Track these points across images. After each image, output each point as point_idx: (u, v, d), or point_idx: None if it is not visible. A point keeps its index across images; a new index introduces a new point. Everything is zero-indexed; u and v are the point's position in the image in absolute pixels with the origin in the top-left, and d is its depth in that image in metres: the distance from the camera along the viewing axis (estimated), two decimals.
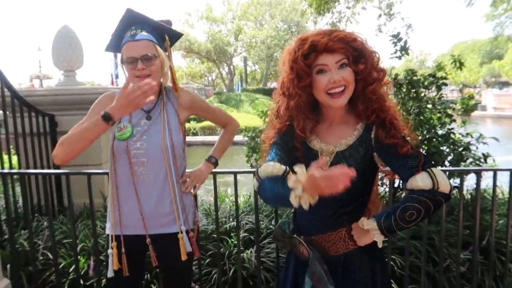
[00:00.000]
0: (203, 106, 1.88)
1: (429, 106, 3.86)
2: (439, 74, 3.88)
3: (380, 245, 1.34)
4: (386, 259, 1.99)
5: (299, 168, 1.17)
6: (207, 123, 32.30)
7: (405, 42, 3.72)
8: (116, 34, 1.65)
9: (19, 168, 3.46)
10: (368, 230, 1.30)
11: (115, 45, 1.68)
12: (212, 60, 46.59)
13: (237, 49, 45.64)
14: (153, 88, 1.43)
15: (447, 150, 3.51)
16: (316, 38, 1.29)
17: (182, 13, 57.04)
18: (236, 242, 3.00)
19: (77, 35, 4.21)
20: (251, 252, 2.85)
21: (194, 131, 32.45)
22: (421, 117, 3.66)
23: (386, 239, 2.69)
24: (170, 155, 1.67)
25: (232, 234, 3.04)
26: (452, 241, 2.99)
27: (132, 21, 1.63)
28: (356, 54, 1.31)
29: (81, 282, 2.64)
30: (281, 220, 1.57)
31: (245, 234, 3.09)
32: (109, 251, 1.68)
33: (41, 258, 2.85)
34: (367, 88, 1.32)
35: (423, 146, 3.49)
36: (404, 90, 3.81)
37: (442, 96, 4.03)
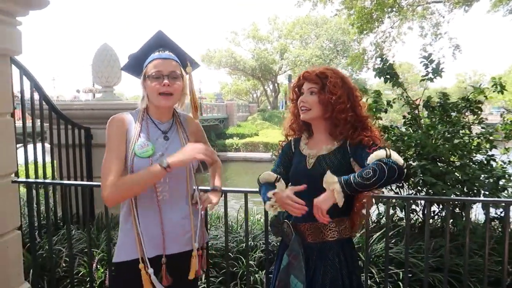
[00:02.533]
0: (203, 137, 1.87)
1: (465, 131, 3.67)
2: (479, 97, 3.70)
3: (339, 200, 1.48)
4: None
5: (279, 184, 1.70)
6: (249, 139, 32.80)
7: (438, 64, 3.58)
8: (141, 53, 1.68)
9: (53, 178, 3.65)
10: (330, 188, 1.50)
11: (137, 65, 1.70)
12: (257, 77, 47.31)
13: (282, 67, 46.05)
14: (206, 154, 1.58)
15: (482, 177, 3.29)
16: (306, 70, 1.76)
17: (228, 32, 58.42)
18: (252, 262, 2.98)
19: (116, 52, 4.45)
20: (265, 273, 2.81)
21: (237, 147, 33.09)
22: (454, 142, 3.47)
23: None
24: (192, 173, 1.70)
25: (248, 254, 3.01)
26: (481, 276, 2.78)
27: (161, 43, 1.68)
28: (324, 86, 1.67)
29: None
30: (279, 210, 1.77)
31: (262, 254, 3.05)
32: (151, 270, 1.59)
33: (64, 265, 2.97)
34: (331, 114, 1.67)
35: (456, 173, 3.29)
36: (437, 113, 3.66)
37: (483, 120, 3.82)
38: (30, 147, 3.57)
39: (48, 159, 3.83)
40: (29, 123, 3.62)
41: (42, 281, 2.84)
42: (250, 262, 2.92)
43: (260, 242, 3.19)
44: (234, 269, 2.91)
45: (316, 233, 1.67)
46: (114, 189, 1.53)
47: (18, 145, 3.89)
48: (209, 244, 3.23)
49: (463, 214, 3.46)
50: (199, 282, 2.78)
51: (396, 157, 1.48)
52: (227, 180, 25.89)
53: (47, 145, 3.82)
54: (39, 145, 3.40)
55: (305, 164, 1.71)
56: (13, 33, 2.43)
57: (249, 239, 3.31)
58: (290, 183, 1.81)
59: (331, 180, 1.50)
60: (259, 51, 44.89)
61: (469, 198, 2.89)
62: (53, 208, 3.72)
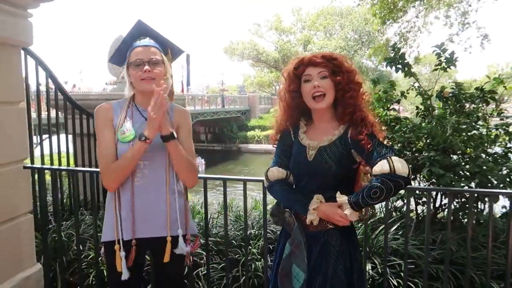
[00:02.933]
0: (185, 130, 1.83)
1: (482, 122, 3.57)
2: (498, 87, 3.59)
3: (352, 218, 1.56)
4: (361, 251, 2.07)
5: (318, 197, 1.62)
6: (271, 131, 32.71)
7: (452, 53, 3.47)
8: (124, 43, 1.76)
9: (68, 165, 3.78)
10: (341, 205, 1.56)
11: (121, 56, 1.78)
12: (280, 69, 47.08)
13: None
14: (162, 93, 1.57)
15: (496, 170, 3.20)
16: (305, 56, 1.69)
17: (251, 24, 58.18)
18: (254, 250, 3.02)
19: None
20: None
21: (258, 139, 33.18)
22: (468, 134, 3.39)
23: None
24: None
25: (251, 242, 3.05)
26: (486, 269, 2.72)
27: (142, 32, 1.75)
28: (336, 69, 1.62)
29: (105, 273, 2.83)
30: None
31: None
32: (122, 253, 1.69)
33: (75, 248, 3.09)
34: (344, 95, 1.62)
35: (467, 165, 3.22)
36: (451, 104, 3.57)
37: (502, 112, 3.71)
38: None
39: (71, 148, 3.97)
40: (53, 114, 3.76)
41: (55, 263, 2.97)
42: (253, 250, 2.97)
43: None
44: (237, 256, 2.95)
45: (318, 221, 1.64)
46: (109, 175, 1.66)
47: (44, 136, 4.04)
48: (216, 232, 3.30)
49: (477, 207, 3.39)
50: (201, 268, 2.86)
51: (400, 169, 1.48)
52: (248, 171, 26.08)
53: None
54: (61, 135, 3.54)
55: (305, 155, 1.67)
56: (24, 25, 2.53)
57: (254, 227, 3.36)
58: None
59: (340, 200, 1.56)
60: (282, 43, 44.63)
61: (470, 189, 2.82)
62: (68, 194, 3.87)
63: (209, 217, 3.59)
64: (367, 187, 1.52)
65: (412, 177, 3.60)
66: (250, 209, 3.97)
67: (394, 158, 1.50)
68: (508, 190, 2.67)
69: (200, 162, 27.61)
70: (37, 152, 3.57)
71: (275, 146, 1.85)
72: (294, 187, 1.77)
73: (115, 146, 1.68)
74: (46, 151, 3.68)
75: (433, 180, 3.39)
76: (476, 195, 2.99)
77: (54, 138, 3.79)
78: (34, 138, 3.87)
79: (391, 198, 3.59)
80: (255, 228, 3.35)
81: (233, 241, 3.07)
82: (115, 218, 1.70)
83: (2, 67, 2.39)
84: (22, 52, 2.80)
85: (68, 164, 3.86)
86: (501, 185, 3.14)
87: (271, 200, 3.37)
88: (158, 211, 1.73)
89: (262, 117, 36.66)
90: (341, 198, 1.56)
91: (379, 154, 1.53)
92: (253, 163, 28.88)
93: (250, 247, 2.98)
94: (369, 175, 1.70)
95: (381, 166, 1.49)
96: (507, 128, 3.50)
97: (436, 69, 3.55)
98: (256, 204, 4.44)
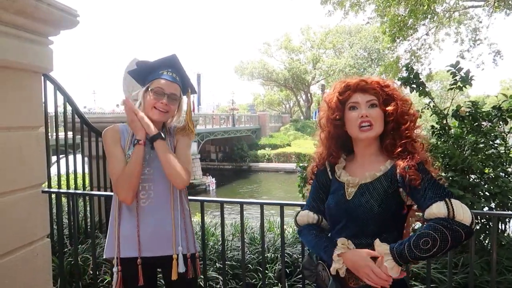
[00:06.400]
0: (183, 142, 1.89)
1: (500, 141, 3.51)
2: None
3: (393, 274, 1.26)
4: None
5: (342, 241, 1.38)
6: (281, 150, 32.77)
7: (467, 72, 3.45)
8: (151, 66, 1.83)
9: (84, 188, 3.80)
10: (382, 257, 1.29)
11: (141, 75, 1.85)
12: (289, 88, 47.41)
13: (315, 77, 45.95)
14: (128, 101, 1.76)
15: None
16: (352, 80, 1.49)
17: (261, 43, 59.03)
18: (271, 274, 2.97)
19: None
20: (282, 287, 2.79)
21: (269, 158, 33.17)
22: (487, 153, 3.33)
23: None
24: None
25: (268, 266, 3.00)
26: None
27: (172, 65, 1.83)
28: (387, 98, 1.44)
29: None
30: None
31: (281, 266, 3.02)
32: (114, 269, 1.78)
33: (91, 272, 3.08)
34: (399, 129, 1.42)
35: (487, 186, 3.16)
36: (467, 123, 3.53)
37: None
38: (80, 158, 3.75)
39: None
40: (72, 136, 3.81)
41: (70, 287, 2.96)
42: (270, 274, 2.92)
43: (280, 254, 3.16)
44: (254, 280, 2.91)
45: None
46: (122, 184, 1.72)
47: (60, 156, 4.08)
48: (231, 256, 3.26)
49: (497, 228, 3.31)
50: None
51: (461, 215, 1.20)
52: (256, 188, 25.97)
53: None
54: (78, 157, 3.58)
55: (343, 193, 1.46)
56: (44, 51, 2.58)
57: (270, 250, 3.31)
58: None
59: (380, 249, 1.30)
60: (292, 61, 45.03)
61: (492, 212, 2.77)
62: (83, 216, 3.88)
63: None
64: (415, 234, 1.24)
65: None
66: (265, 231, 3.93)
67: (454, 201, 1.23)
68: None
69: (211, 180, 27.71)
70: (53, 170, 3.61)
71: (301, 166, 1.73)
72: (329, 234, 1.53)
73: (124, 161, 1.75)
74: (63, 171, 3.73)
75: None
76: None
77: (70, 158, 3.84)
78: (53, 158, 3.92)
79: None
80: (271, 251, 3.31)
81: (249, 265, 3.02)
82: (115, 236, 1.78)
83: (23, 93, 2.43)
84: (42, 77, 2.85)
85: (84, 185, 3.89)
86: None
87: (288, 222, 3.32)
88: (164, 230, 1.78)
89: (273, 135, 36.75)
90: (381, 246, 1.29)
91: (435, 194, 1.27)
92: (264, 182, 28.80)
93: (266, 271, 2.93)
94: (420, 217, 1.40)
95: (437, 208, 1.23)
96: None
97: (451, 88, 3.53)
98: (270, 225, 4.40)
